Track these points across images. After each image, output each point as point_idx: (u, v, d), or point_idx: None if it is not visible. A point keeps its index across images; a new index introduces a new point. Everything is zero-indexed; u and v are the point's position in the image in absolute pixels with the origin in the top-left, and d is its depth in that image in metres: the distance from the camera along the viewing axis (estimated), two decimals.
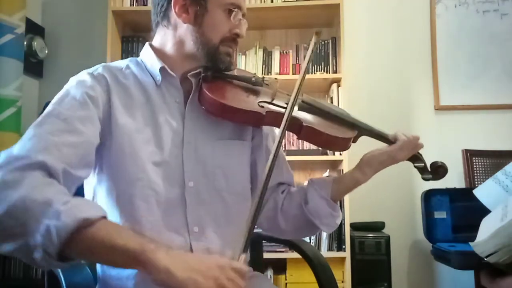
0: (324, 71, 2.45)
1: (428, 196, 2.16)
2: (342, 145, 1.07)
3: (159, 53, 1.01)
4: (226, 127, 1.03)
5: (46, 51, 2.69)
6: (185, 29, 0.98)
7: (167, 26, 1.00)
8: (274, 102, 1.02)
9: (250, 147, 1.09)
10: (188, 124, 0.98)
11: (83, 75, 0.94)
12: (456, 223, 2.10)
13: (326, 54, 2.47)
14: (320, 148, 2.22)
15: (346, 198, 2.23)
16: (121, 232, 0.72)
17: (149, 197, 0.90)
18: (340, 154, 2.26)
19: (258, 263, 1.30)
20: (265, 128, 1.12)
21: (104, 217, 0.72)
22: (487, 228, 1.62)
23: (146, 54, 1.02)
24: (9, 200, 0.69)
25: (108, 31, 2.40)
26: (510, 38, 2.60)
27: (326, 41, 2.48)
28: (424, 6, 2.67)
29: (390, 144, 1.06)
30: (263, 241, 1.38)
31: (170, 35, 1.00)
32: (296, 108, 1.03)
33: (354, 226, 2.34)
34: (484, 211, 1.76)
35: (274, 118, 1.00)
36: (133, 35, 2.59)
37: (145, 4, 2.45)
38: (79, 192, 0.90)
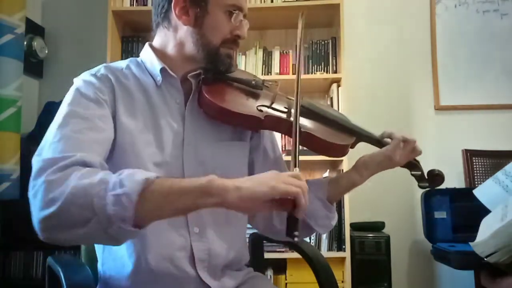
0: (324, 71, 2.45)
1: (428, 196, 2.16)
2: (340, 151, 1.06)
3: (160, 53, 1.01)
4: (226, 128, 1.03)
5: (46, 51, 2.69)
6: (185, 31, 0.97)
7: (168, 28, 1.00)
8: (274, 106, 1.02)
9: (249, 147, 1.09)
10: (188, 126, 0.98)
11: (88, 76, 0.94)
12: (456, 223, 2.10)
13: (326, 54, 2.47)
14: None
15: (346, 198, 2.24)
16: (181, 180, 0.75)
17: None
18: None
19: (258, 263, 1.30)
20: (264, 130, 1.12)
21: (159, 177, 0.73)
22: (487, 228, 1.62)
23: (146, 55, 1.02)
24: (63, 193, 0.70)
25: (108, 31, 2.39)
26: (510, 38, 2.60)
27: (326, 41, 2.48)
28: (424, 6, 2.67)
29: None
30: (263, 241, 1.38)
31: (171, 36, 1.00)
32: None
33: (354, 226, 2.34)
34: (484, 211, 1.76)
35: (272, 123, 1.00)
36: (133, 35, 2.59)
37: (145, 4, 2.45)
38: None
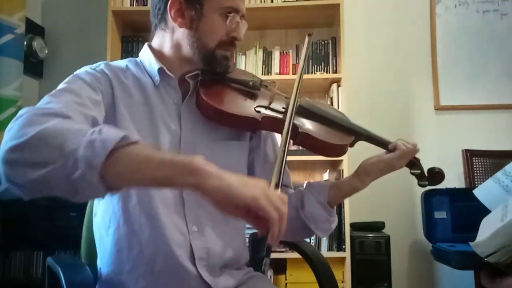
0: (324, 71, 2.45)
1: (428, 196, 2.16)
2: (338, 151, 1.06)
3: (158, 54, 1.01)
4: (224, 128, 1.03)
5: (46, 51, 2.70)
6: (181, 33, 0.98)
7: (165, 29, 1.01)
8: (271, 106, 1.02)
9: (248, 147, 1.09)
10: (186, 126, 0.99)
11: (87, 68, 0.95)
12: (456, 223, 2.10)
13: (326, 54, 2.47)
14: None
15: (346, 198, 2.23)
16: (166, 151, 0.72)
17: (153, 193, 0.91)
18: None
19: (258, 263, 1.30)
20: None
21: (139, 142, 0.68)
22: (487, 228, 1.62)
23: (145, 55, 1.03)
24: (36, 129, 0.65)
25: (108, 31, 2.40)
26: (510, 38, 2.60)
27: (326, 41, 2.48)
28: (424, 6, 2.67)
29: (388, 151, 1.05)
30: None
31: (168, 38, 1.01)
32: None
33: (354, 226, 2.34)
34: (484, 211, 1.76)
35: (270, 123, 1.00)
36: (133, 35, 2.59)
37: (145, 4, 2.45)
38: None
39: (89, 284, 0.92)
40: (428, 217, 2.14)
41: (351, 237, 2.23)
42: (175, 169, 0.64)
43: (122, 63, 1.03)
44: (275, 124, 1.00)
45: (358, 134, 1.07)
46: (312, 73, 2.44)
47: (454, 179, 2.45)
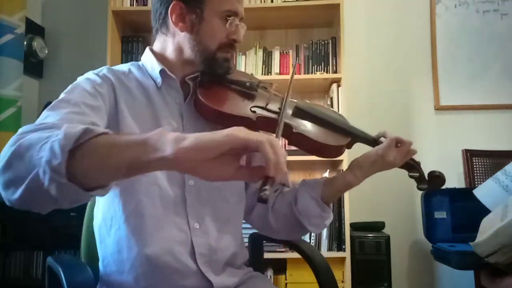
0: (324, 71, 2.45)
1: (428, 196, 2.15)
2: (334, 152, 1.06)
3: (160, 57, 1.04)
4: (223, 128, 1.03)
5: (46, 51, 2.69)
6: (182, 37, 1.01)
7: (166, 33, 1.03)
8: (268, 107, 1.03)
9: None
10: (187, 125, 1.01)
11: (90, 74, 0.97)
12: (456, 223, 2.09)
13: (326, 54, 2.47)
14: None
15: (346, 198, 2.24)
16: (131, 133, 0.72)
17: (154, 193, 0.93)
18: None
19: (258, 263, 1.30)
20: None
21: (109, 133, 0.64)
22: (487, 228, 1.62)
23: (147, 58, 1.05)
24: (17, 144, 0.64)
25: (108, 31, 2.39)
26: (510, 38, 2.60)
27: (326, 41, 2.48)
28: (424, 6, 2.67)
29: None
30: (263, 241, 1.38)
31: (170, 42, 1.03)
32: (290, 113, 1.03)
33: (354, 226, 2.34)
34: (484, 211, 1.76)
35: (265, 124, 1.01)
36: (133, 35, 2.59)
37: (145, 4, 2.45)
38: None
39: (90, 284, 0.92)
40: (428, 217, 2.14)
41: (351, 237, 2.23)
42: (138, 149, 0.59)
43: (124, 67, 1.05)
44: (270, 124, 1.01)
45: (354, 136, 1.07)
46: (312, 73, 2.45)
47: (454, 179, 2.45)
